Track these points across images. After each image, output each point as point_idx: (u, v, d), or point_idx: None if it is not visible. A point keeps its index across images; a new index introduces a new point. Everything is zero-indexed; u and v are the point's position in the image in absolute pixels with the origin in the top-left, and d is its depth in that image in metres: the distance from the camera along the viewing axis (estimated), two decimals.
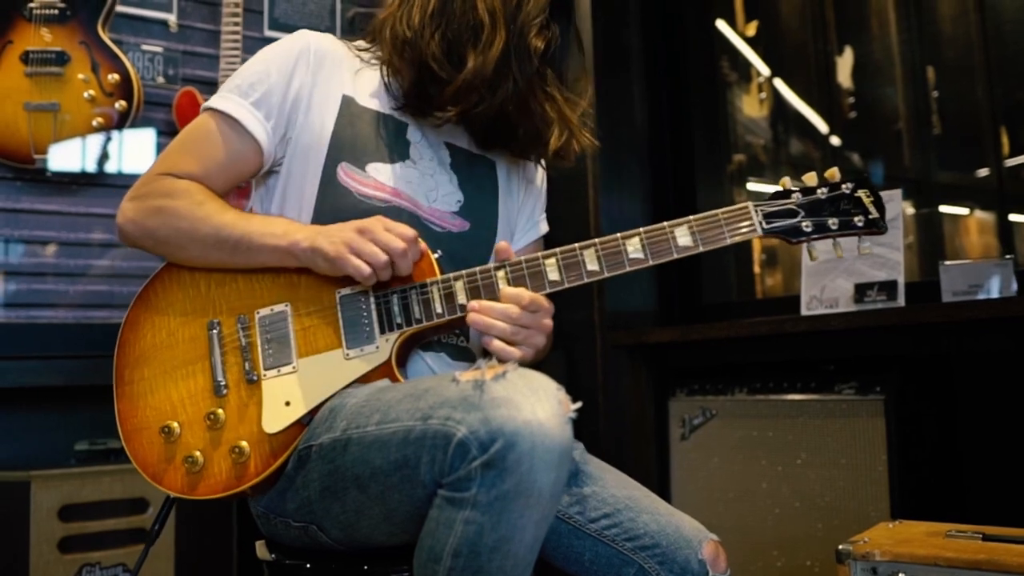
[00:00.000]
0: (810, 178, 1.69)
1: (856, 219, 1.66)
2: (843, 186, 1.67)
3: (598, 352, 3.25)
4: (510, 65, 1.71)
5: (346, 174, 1.76)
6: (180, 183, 1.74)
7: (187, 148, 1.79)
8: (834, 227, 1.67)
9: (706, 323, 3.21)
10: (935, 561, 1.74)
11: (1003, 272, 2.48)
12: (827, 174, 1.69)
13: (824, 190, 1.67)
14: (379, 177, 1.78)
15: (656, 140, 3.55)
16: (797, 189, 1.69)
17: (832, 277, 2.81)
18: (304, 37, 1.83)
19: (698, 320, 3.36)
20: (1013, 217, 3.01)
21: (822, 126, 3.48)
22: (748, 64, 3.71)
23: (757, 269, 3.66)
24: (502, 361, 1.47)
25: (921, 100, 3.19)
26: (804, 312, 2.85)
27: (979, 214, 3.18)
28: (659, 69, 3.58)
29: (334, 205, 1.75)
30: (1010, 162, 2.98)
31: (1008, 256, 2.57)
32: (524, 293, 1.63)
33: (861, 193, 1.67)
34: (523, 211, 2.04)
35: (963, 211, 3.22)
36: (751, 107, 3.69)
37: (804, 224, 1.67)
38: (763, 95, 3.68)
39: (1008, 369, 2.52)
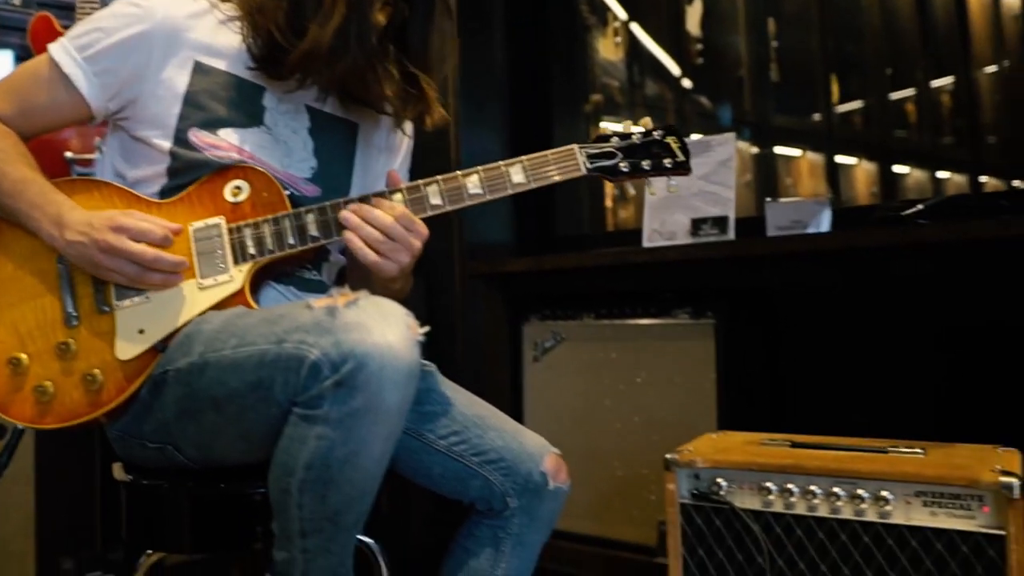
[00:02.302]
0: (627, 126, 1.76)
1: (666, 161, 1.74)
2: (654, 133, 1.75)
3: (456, 280, 3.25)
4: (348, 40, 1.63)
5: (197, 137, 1.67)
6: None
7: (14, 87, 1.70)
8: (647, 167, 1.74)
9: (558, 254, 3.24)
10: (749, 467, 1.89)
11: (823, 210, 2.54)
12: (641, 122, 1.75)
13: (639, 135, 1.75)
14: (231, 140, 1.69)
15: (516, 80, 3.51)
16: (615, 134, 1.75)
17: (671, 212, 2.82)
18: (152, 6, 1.68)
19: (551, 251, 3.38)
20: (839, 159, 3.10)
21: (675, 69, 3.47)
22: (606, 8, 3.67)
23: (609, 203, 3.66)
24: (354, 290, 1.44)
25: (762, 49, 3.23)
26: (646, 244, 2.86)
27: (811, 156, 3.28)
28: (520, 12, 3.54)
29: (186, 162, 1.66)
30: (840, 108, 3.07)
31: (828, 196, 2.68)
32: (397, 205, 1.61)
33: (670, 139, 1.75)
34: (383, 176, 1.91)
35: (797, 153, 3.32)
36: (608, 50, 3.67)
37: (622, 165, 1.73)
38: (619, 39, 3.66)
39: (823, 297, 2.59)
